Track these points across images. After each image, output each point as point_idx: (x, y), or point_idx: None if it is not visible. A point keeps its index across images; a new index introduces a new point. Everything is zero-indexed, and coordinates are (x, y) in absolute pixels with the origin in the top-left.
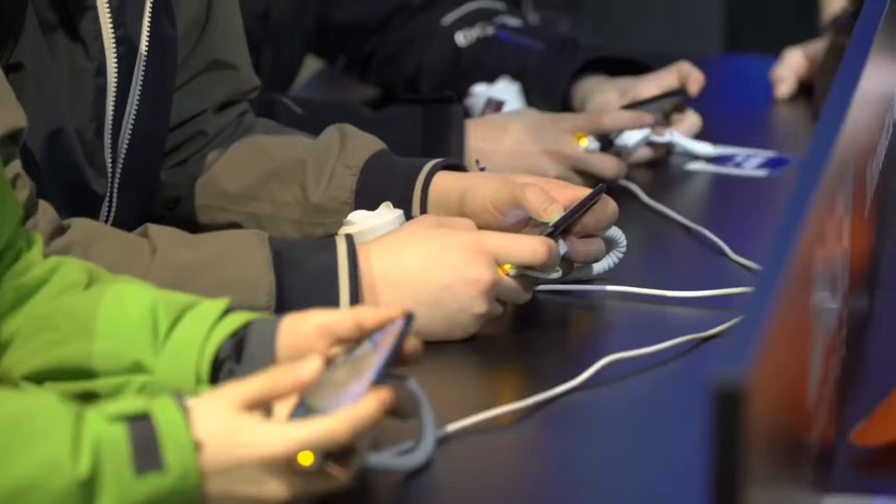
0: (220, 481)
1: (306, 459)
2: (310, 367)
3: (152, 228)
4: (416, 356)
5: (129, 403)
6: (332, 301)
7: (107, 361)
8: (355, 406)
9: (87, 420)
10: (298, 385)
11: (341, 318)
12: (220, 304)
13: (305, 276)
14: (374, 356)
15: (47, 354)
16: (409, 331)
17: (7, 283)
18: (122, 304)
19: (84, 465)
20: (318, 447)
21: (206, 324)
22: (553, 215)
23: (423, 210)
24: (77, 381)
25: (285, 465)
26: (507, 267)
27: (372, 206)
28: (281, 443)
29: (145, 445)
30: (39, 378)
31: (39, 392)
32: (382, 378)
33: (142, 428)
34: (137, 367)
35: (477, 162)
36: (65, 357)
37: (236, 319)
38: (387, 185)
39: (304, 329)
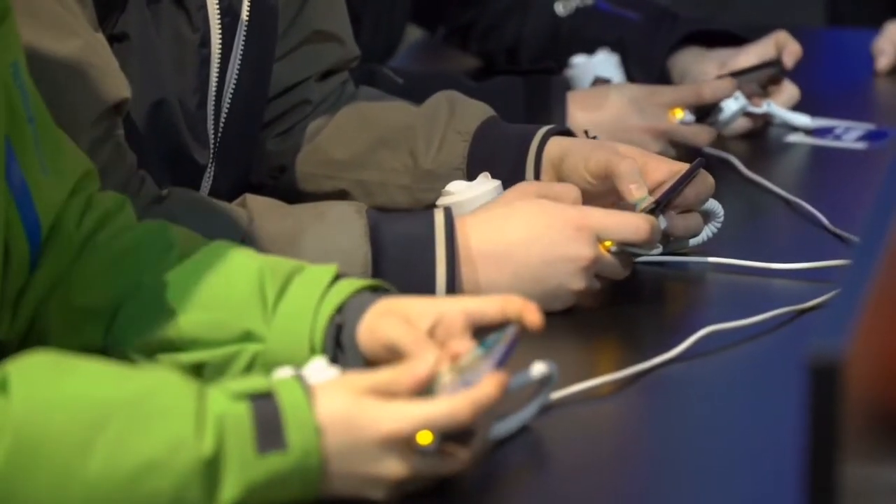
0: (340, 461)
1: (425, 439)
2: (425, 363)
3: (250, 198)
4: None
5: (253, 382)
6: (427, 274)
7: (217, 331)
8: (476, 387)
9: (209, 398)
10: (417, 381)
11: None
12: (329, 270)
13: (401, 248)
14: (484, 360)
15: (156, 326)
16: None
17: (102, 247)
18: (229, 272)
19: (208, 444)
20: (438, 427)
21: (317, 291)
22: (639, 196)
23: (537, 176)
24: (188, 351)
25: (404, 445)
26: (608, 243)
27: (484, 172)
28: (400, 420)
29: (268, 424)
30: (150, 350)
31: (160, 369)
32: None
33: (265, 407)
34: (248, 337)
35: (586, 133)
36: (174, 328)
37: (346, 287)
38: (499, 150)
39: (399, 307)
